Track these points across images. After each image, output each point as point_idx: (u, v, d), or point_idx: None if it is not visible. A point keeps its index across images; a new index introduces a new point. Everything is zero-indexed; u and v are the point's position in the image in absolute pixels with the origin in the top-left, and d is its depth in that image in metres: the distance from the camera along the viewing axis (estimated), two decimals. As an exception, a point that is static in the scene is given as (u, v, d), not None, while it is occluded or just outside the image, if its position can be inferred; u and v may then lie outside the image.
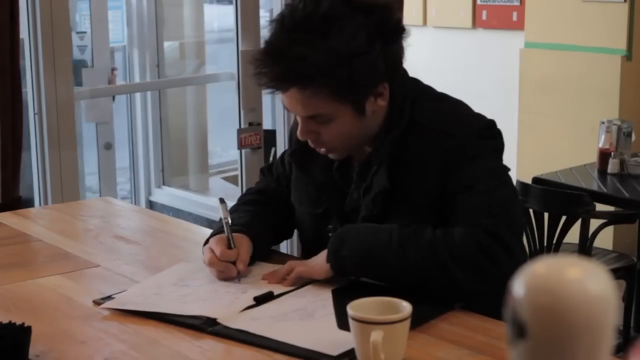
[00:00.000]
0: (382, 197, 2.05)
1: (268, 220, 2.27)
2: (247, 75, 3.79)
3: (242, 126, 4.33)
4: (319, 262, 2.01)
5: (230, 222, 2.13)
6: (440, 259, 1.87)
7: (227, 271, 2.08)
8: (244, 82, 4.23)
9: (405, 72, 2.12)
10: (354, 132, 2.04)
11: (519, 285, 0.90)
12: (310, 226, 2.25)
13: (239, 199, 2.39)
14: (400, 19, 2.07)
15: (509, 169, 2.03)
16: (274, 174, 2.39)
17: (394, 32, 1.99)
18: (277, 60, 1.94)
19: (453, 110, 2.07)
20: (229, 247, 2.10)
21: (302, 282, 2.04)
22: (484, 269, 1.86)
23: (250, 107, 4.34)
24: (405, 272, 1.91)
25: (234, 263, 2.08)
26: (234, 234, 2.13)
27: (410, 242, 1.91)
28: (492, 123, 2.05)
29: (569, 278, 0.88)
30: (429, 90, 2.13)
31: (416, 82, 2.13)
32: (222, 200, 2.17)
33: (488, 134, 2.03)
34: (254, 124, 4.38)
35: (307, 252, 2.25)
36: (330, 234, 2.14)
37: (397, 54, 2.02)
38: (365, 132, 2.06)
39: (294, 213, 2.30)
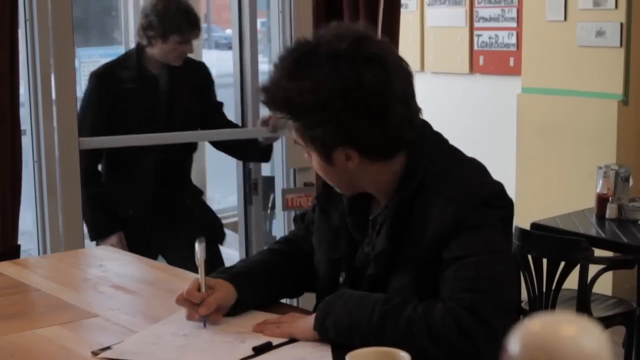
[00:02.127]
0: (382, 257, 2.06)
1: (274, 274, 2.27)
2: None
3: (298, 184, 4.16)
4: (307, 326, 2.00)
5: (203, 263, 2.12)
6: (417, 341, 1.84)
7: (191, 312, 2.11)
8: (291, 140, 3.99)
9: (426, 131, 2.11)
10: (331, 178, 2.09)
11: (514, 342, 0.91)
12: (326, 270, 2.24)
13: (268, 247, 2.43)
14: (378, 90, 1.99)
15: (510, 245, 1.99)
16: (305, 220, 2.40)
17: (360, 104, 1.97)
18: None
19: (464, 176, 2.02)
20: (199, 289, 2.11)
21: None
22: (462, 351, 1.82)
23: (305, 165, 4.00)
24: None
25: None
26: (219, 279, 2.15)
27: (390, 320, 1.89)
28: (501, 192, 2.01)
29: (564, 335, 0.89)
30: (450, 153, 2.10)
31: (439, 143, 2.11)
32: (200, 240, 2.15)
33: (494, 204, 1.98)
34: (309, 185, 4.21)
35: (320, 296, 2.24)
36: (341, 280, 2.15)
37: (360, 124, 1.98)
38: (354, 183, 2.09)
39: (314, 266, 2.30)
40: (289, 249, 2.35)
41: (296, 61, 2.01)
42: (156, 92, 4.22)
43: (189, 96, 4.29)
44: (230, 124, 4.39)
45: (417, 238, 2.00)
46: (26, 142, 3.70)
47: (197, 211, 4.38)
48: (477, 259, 1.89)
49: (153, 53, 4.17)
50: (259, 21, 4.62)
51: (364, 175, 2.07)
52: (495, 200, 1.99)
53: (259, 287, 2.23)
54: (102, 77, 4.21)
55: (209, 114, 4.33)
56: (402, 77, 2.02)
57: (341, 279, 2.16)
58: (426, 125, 2.14)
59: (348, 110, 1.96)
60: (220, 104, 4.42)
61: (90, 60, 5.32)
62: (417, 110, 2.07)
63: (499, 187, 2.02)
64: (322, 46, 2.00)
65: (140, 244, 4.08)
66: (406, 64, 2.06)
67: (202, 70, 4.41)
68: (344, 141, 2.00)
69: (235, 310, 2.17)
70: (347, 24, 2.10)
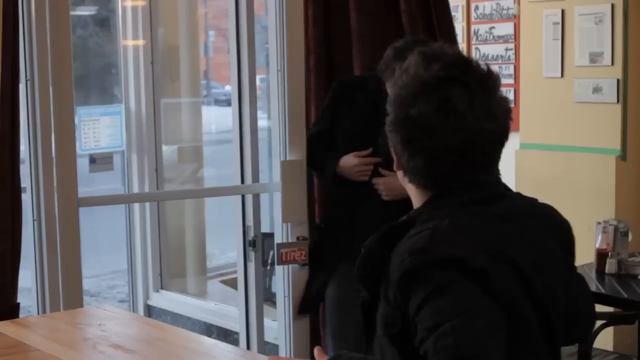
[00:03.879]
0: (362, 279, 2.05)
1: None
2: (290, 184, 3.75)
3: (289, 239, 4.08)
4: None
5: None
6: None
7: None
8: (287, 193, 4.06)
9: (472, 189, 2.03)
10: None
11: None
12: None
13: None
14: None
15: (477, 295, 1.85)
16: None
17: (398, 122, 2.01)
18: None
19: (441, 232, 1.92)
20: None
21: None
22: None
23: (298, 219, 4.08)
24: None
25: None
26: None
27: None
28: (457, 259, 1.86)
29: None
30: (463, 213, 1.99)
31: (469, 204, 2.01)
32: None
33: (450, 265, 1.86)
34: (300, 239, 4.10)
35: None
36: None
37: (395, 138, 2.02)
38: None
39: None
40: None
41: (414, 59, 2.03)
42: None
43: None
44: None
45: (388, 276, 1.94)
46: (26, 199, 3.71)
47: None
48: (452, 324, 1.80)
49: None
50: (258, 77, 4.65)
51: (409, 187, 2.08)
52: (454, 264, 1.86)
53: None
54: (339, 86, 4.10)
55: None
56: (467, 137, 1.96)
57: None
58: (484, 186, 2.05)
59: (393, 119, 2.01)
60: None
61: (90, 118, 5.35)
62: (468, 171, 2.01)
63: (462, 254, 1.87)
64: (437, 59, 2.01)
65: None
66: (498, 132, 2.01)
67: None
68: (390, 143, 2.05)
69: None
70: (479, 62, 2.06)
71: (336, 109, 4.04)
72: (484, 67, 2.03)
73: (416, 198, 2.07)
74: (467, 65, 2.01)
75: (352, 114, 3.97)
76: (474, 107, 1.96)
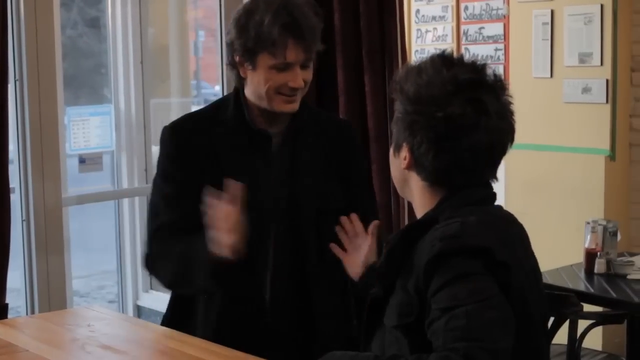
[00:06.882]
0: (379, 276, 2.13)
1: None
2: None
3: None
4: None
5: None
6: None
7: None
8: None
9: (476, 191, 2.14)
10: (392, 169, 2.22)
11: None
12: None
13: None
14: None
15: (495, 290, 1.94)
16: None
17: (431, 120, 2.06)
18: None
19: (467, 224, 2.02)
20: None
21: None
22: None
23: None
24: None
25: None
26: None
27: None
28: (491, 250, 1.98)
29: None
30: (477, 210, 2.10)
31: (478, 201, 2.13)
32: None
33: (478, 256, 1.97)
34: None
35: None
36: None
37: (420, 135, 2.08)
38: (404, 187, 2.20)
39: None
40: None
41: (433, 61, 2.12)
42: (257, 160, 2.73)
43: (313, 171, 2.77)
44: None
45: (411, 267, 2.02)
46: (15, 199, 3.71)
47: None
48: (467, 309, 1.89)
49: (249, 95, 2.72)
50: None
51: (411, 184, 2.16)
52: (482, 254, 1.97)
53: None
54: (176, 133, 2.80)
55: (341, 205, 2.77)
56: (492, 137, 2.12)
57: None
58: (487, 185, 2.19)
59: (423, 116, 2.06)
60: (371, 195, 3.05)
61: (79, 118, 5.34)
62: (485, 169, 2.16)
63: (490, 245, 1.99)
64: (455, 62, 2.11)
65: None
66: (510, 132, 2.21)
67: (342, 132, 2.91)
68: (408, 140, 2.10)
69: None
70: (500, 76, 2.19)
71: (189, 167, 2.72)
72: (490, 70, 2.16)
73: (422, 195, 2.14)
74: (484, 69, 2.14)
75: (221, 161, 2.70)
76: (497, 108, 2.12)
